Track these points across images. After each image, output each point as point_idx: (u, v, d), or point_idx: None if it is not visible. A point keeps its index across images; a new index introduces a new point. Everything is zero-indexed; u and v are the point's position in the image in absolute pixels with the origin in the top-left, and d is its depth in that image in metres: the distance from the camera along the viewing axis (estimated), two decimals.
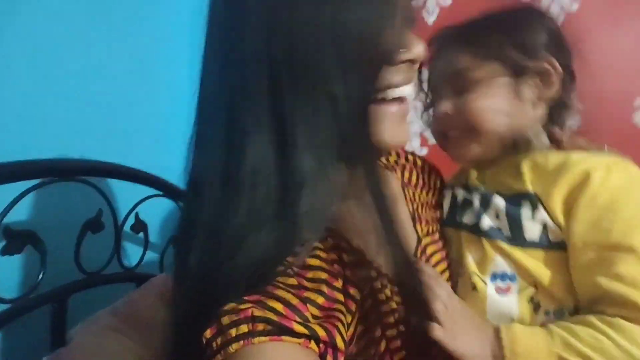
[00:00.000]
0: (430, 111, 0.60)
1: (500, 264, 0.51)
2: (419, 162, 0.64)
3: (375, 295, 0.42)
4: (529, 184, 0.51)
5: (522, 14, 0.57)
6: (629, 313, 0.42)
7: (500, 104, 0.54)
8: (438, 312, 0.43)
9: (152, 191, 0.81)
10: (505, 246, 0.50)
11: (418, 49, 0.41)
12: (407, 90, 0.42)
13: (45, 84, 0.71)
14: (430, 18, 1.11)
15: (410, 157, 0.62)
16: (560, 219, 0.48)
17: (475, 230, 0.53)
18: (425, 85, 0.61)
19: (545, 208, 0.49)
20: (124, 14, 0.85)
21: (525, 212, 0.51)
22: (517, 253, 0.49)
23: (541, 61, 0.54)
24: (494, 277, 0.50)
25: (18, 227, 0.59)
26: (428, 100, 0.61)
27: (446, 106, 0.55)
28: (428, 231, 0.55)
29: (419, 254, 0.51)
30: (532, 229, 0.50)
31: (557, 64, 0.53)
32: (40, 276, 0.61)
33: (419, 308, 0.43)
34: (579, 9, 0.98)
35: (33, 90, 0.69)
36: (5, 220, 0.56)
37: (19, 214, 0.58)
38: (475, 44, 0.55)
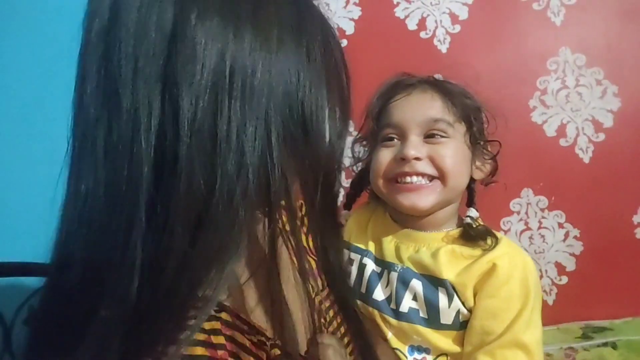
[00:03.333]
0: (380, 150, 0.58)
1: (416, 339, 0.55)
2: None
3: None
4: (445, 272, 0.53)
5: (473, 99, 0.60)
6: None
7: (466, 163, 0.57)
8: None
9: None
10: (422, 329, 0.54)
11: None
12: None
13: None
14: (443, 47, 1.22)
15: None
16: (472, 303, 0.52)
17: (393, 312, 0.55)
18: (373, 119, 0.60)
19: (459, 296, 0.53)
20: None
21: (442, 300, 0.53)
22: (432, 334, 0.54)
23: (487, 142, 0.59)
24: (412, 349, 0.55)
25: None
26: (376, 137, 0.59)
27: (419, 150, 0.54)
28: (320, 286, 0.53)
29: (315, 317, 0.48)
30: (447, 315, 0.53)
31: (496, 153, 0.59)
32: None
33: None
34: (460, 30, 1.22)
35: None
36: None
37: None
38: (452, 100, 0.56)
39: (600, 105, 1.19)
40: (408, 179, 0.55)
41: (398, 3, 1.27)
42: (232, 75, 0.32)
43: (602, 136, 1.19)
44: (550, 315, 1.15)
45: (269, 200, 0.34)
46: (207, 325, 0.35)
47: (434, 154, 0.55)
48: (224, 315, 0.38)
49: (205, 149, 0.31)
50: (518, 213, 1.22)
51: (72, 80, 0.34)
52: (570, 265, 1.20)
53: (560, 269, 1.21)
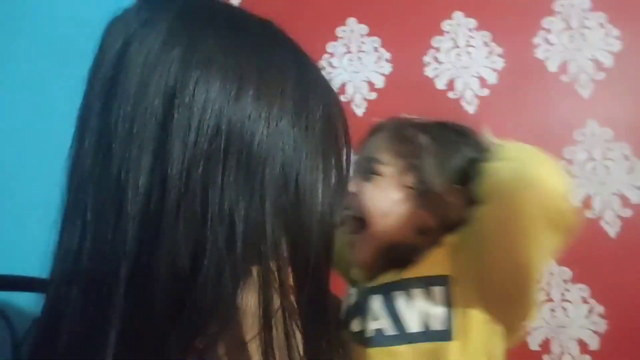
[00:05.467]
0: None
1: None
2: None
3: None
4: (445, 268, 0.49)
5: (460, 142, 0.54)
6: None
7: (397, 206, 0.51)
8: None
9: None
10: (393, 349, 0.48)
11: None
12: None
13: None
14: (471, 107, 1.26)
15: None
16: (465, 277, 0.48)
17: (363, 340, 0.50)
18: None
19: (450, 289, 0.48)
20: None
21: (401, 301, 0.48)
22: (405, 351, 0.47)
23: (450, 194, 0.52)
24: None
25: None
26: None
27: (352, 186, 0.52)
28: None
29: None
30: (413, 319, 0.47)
31: (460, 201, 0.51)
32: None
33: None
34: (489, 94, 1.26)
35: None
36: None
37: None
38: (401, 138, 0.54)
39: (628, 180, 1.18)
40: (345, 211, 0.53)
41: (429, 63, 1.32)
42: (229, 143, 0.30)
43: (629, 212, 1.17)
44: None
45: (260, 270, 0.32)
46: None
47: (360, 191, 0.53)
48: None
49: (193, 220, 0.29)
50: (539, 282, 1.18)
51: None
52: (594, 344, 1.13)
53: (583, 346, 1.13)
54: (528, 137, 1.20)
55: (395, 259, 0.51)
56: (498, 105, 1.26)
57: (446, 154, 0.53)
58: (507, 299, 0.48)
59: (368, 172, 0.54)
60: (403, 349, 0.47)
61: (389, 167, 0.53)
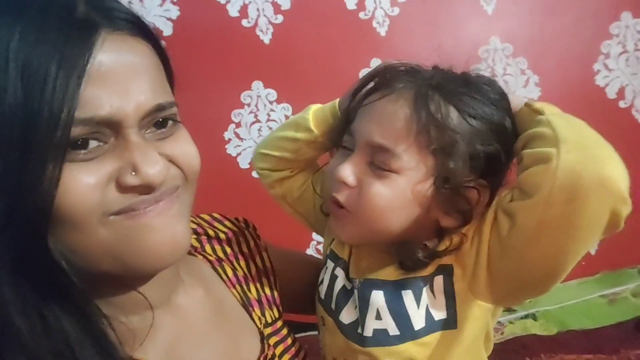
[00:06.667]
0: (335, 156, 0.49)
1: None
2: (229, 226, 0.53)
3: None
4: (449, 258, 0.44)
5: (494, 119, 0.43)
6: None
7: (410, 209, 0.44)
8: None
9: None
10: (394, 348, 0.45)
11: (103, 109, 0.30)
12: (148, 176, 0.31)
13: None
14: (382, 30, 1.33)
15: (217, 226, 0.52)
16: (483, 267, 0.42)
17: (358, 338, 0.46)
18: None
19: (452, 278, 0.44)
20: None
21: (409, 301, 0.44)
22: (407, 348, 0.45)
23: (475, 189, 0.43)
24: None
25: None
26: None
27: (349, 176, 0.44)
28: (268, 319, 0.49)
29: (267, 353, 0.46)
30: (419, 317, 0.44)
31: (487, 196, 0.44)
32: None
33: None
34: (399, 13, 1.22)
35: None
36: None
37: None
38: (427, 121, 0.42)
39: (524, 94, 1.26)
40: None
41: None
42: None
43: None
44: None
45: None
46: None
47: (365, 189, 0.44)
48: None
49: None
50: None
51: None
52: None
53: None
54: (438, 59, 1.22)
55: (405, 258, 0.45)
56: (408, 25, 1.23)
57: (479, 136, 0.42)
58: (531, 289, 0.43)
59: (378, 165, 0.43)
60: (406, 346, 0.44)
61: (408, 164, 0.42)
